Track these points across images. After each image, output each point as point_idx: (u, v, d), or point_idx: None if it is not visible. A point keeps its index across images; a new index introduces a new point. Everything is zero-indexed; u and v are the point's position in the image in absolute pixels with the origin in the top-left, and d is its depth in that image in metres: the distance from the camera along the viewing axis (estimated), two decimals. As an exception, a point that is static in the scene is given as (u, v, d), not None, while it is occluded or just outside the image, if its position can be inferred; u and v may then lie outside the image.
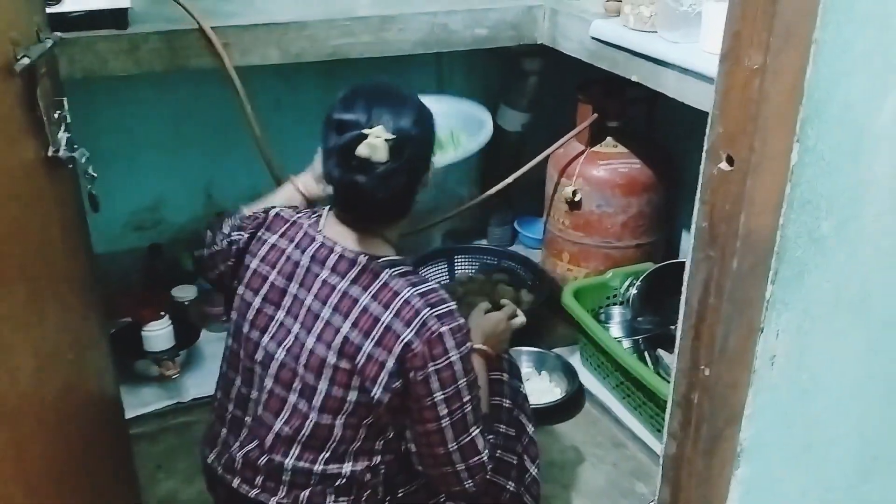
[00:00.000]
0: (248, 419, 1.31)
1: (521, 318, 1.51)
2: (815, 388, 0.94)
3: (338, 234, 1.27)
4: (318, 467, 1.25)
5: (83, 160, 1.16)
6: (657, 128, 2.30)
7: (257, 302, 1.30)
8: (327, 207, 1.32)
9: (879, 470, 1.08)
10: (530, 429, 1.50)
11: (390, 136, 1.16)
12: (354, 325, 1.21)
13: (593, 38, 1.87)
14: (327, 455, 1.25)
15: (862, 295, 0.90)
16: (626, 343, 2.10)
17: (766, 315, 0.83)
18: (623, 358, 1.95)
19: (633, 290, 2.16)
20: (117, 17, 1.63)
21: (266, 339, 1.28)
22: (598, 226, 2.23)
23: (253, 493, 1.28)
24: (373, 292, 1.21)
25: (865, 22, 0.74)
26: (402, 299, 1.20)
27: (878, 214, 0.85)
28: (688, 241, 2.41)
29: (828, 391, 0.95)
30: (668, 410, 0.95)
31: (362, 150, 1.15)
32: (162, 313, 2.03)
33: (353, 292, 1.22)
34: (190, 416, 1.97)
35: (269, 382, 1.27)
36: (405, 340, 1.18)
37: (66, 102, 1.15)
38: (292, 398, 1.25)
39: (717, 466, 0.92)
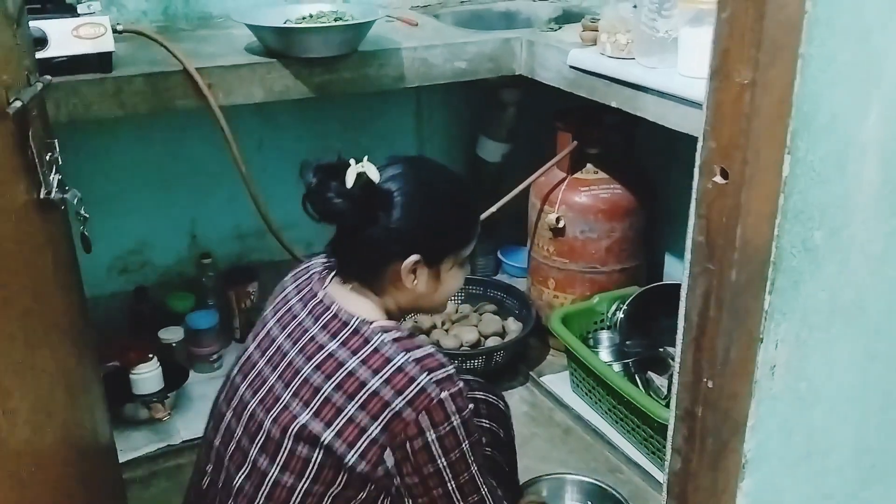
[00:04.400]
0: (216, 472, 1.27)
1: None
2: (814, 397, 0.95)
3: (339, 294, 1.24)
4: None
5: (75, 201, 1.16)
6: (636, 153, 2.34)
7: (251, 348, 1.28)
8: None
9: (877, 478, 1.09)
10: None
11: (367, 173, 1.16)
12: (338, 387, 1.15)
13: (571, 66, 1.91)
14: None
15: (855, 302, 0.92)
16: (616, 367, 2.11)
17: (765, 325, 0.85)
18: (615, 381, 1.96)
19: (620, 314, 2.17)
20: (102, 61, 1.64)
21: (244, 386, 1.25)
22: (582, 251, 2.25)
23: None
24: (362, 357, 1.16)
25: (847, 36, 0.77)
26: (395, 366, 1.15)
27: (866, 221, 0.87)
28: (671, 264, 2.45)
29: (826, 399, 0.97)
30: (670, 426, 0.96)
31: (347, 172, 1.17)
32: (150, 356, 2.02)
33: (341, 355, 1.17)
34: (181, 459, 1.95)
35: (238, 433, 1.23)
36: (395, 409, 1.13)
37: (56, 144, 1.15)
38: (253, 453, 1.19)
39: (723, 479, 0.93)
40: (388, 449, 1.13)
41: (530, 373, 2.32)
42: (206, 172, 2.24)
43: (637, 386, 2.03)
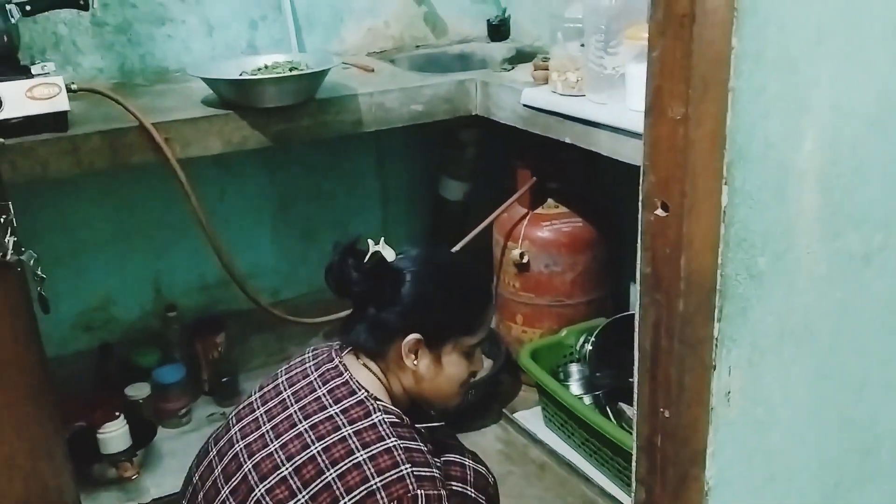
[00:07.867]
0: None
1: None
2: (771, 420, 0.97)
3: (352, 365, 1.30)
4: None
5: (31, 262, 1.15)
6: (595, 185, 2.37)
7: (255, 396, 1.32)
8: None
9: (842, 495, 1.10)
10: None
11: (383, 253, 1.27)
12: (326, 450, 1.18)
13: (525, 105, 1.94)
14: None
15: (804, 324, 0.94)
16: (587, 399, 2.11)
17: (716, 352, 0.86)
18: (585, 414, 1.96)
19: (589, 346, 2.19)
20: (57, 121, 1.64)
21: (236, 428, 1.28)
22: (547, 285, 2.27)
23: None
24: (357, 427, 1.20)
25: (775, 67, 0.80)
26: (385, 446, 1.18)
27: (809, 245, 0.90)
28: (636, 293, 2.47)
29: (783, 422, 0.98)
30: (633, 457, 0.97)
31: (370, 250, 1.29)
32: (116, 413, 1.99)
33: (338, 420, 1.21)
34: (151, 518, 1.91)
35: (217, 471, 1.25)
36: (370, 488, 1.14)
37: (11, 206, 1.15)
38: (225, 492, 1.22)
39: (688, 507, 0.94)
40: None
41: (503, 410, 2.31)
42: (167, 225, 2.24)
43: (608, 417, 2.03)
